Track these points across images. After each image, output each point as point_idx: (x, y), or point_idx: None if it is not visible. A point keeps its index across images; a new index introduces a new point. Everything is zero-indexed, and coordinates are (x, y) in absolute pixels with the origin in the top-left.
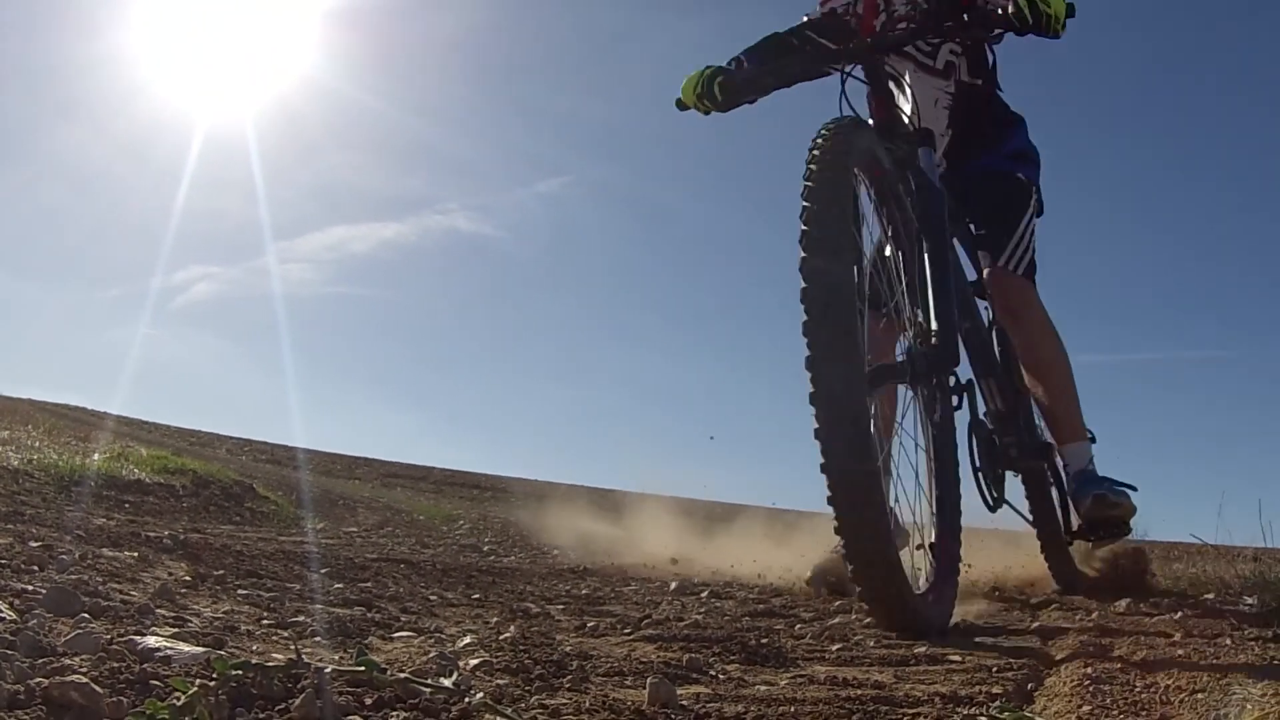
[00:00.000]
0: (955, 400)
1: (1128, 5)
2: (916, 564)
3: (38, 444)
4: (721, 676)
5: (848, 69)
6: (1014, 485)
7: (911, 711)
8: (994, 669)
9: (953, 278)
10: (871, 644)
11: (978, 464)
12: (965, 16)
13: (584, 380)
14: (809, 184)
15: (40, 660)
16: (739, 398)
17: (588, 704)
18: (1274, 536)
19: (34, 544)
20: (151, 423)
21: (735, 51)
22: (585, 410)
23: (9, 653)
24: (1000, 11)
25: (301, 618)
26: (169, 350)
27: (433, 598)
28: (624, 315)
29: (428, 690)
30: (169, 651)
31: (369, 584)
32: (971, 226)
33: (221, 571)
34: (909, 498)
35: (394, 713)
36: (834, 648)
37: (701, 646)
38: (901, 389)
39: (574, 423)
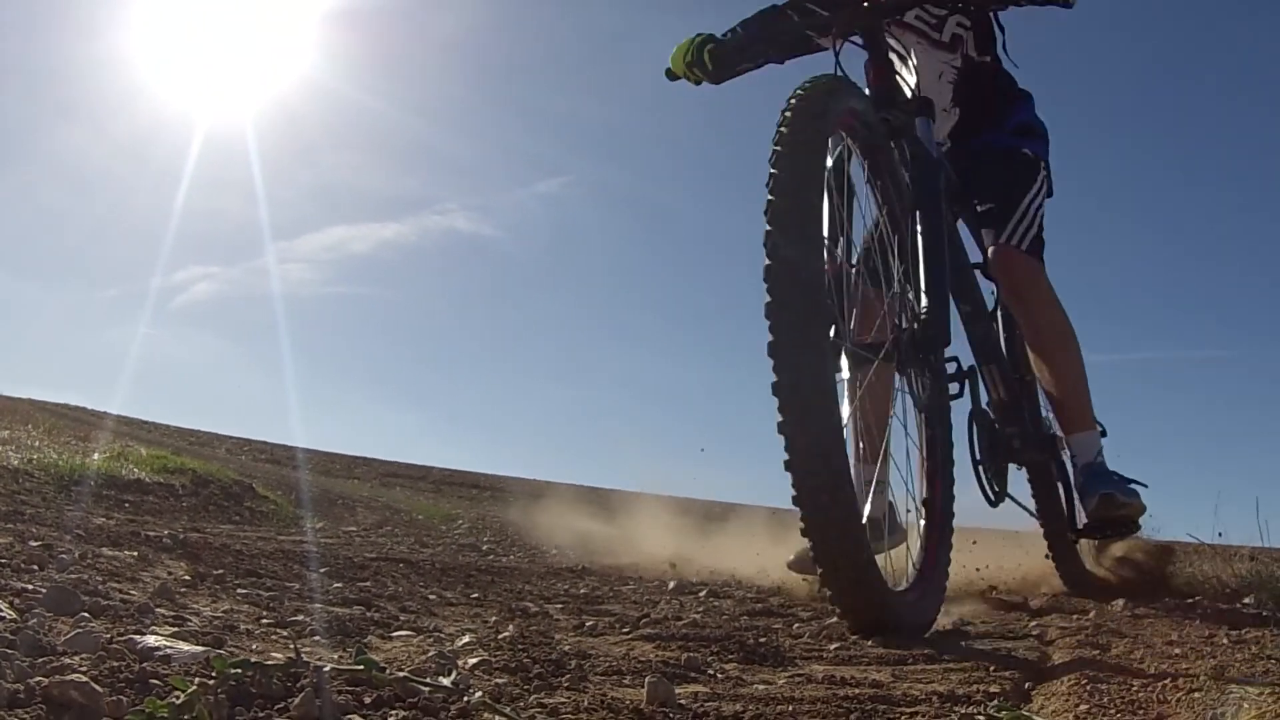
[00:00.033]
0: (956, 388)
1: (1127, 5)
2: (898, 560)
3: (38, 443)
4: (719, 675)
5: (845, 34)
6: (1018, 480)
7: (909, 710)
8: (991, 668)
9: (947, 252)
10: (869, 643)
11: (978, 456)
12: None
13: (582, 380)
14: (777, 148)
15: (40, 659)
16: (738, 397)
17: (586, 703)
18: (1271, 536)
19: (34, 543)
20: (151, 422)
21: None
22: (583, 410)
23: (9, 652)
24: None
25: (300, 617)
26: (168, 350)
27: (431, 597)
28: (622, 315)
29: (426, 689)
30: (168, 650)
31: (368, 583)
32: (976, 206)
33: (221, 571)
34: (907, 489)
35: (393, 711)
36: (832, 647)
37: (700, 645)
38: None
39: (572, 422)
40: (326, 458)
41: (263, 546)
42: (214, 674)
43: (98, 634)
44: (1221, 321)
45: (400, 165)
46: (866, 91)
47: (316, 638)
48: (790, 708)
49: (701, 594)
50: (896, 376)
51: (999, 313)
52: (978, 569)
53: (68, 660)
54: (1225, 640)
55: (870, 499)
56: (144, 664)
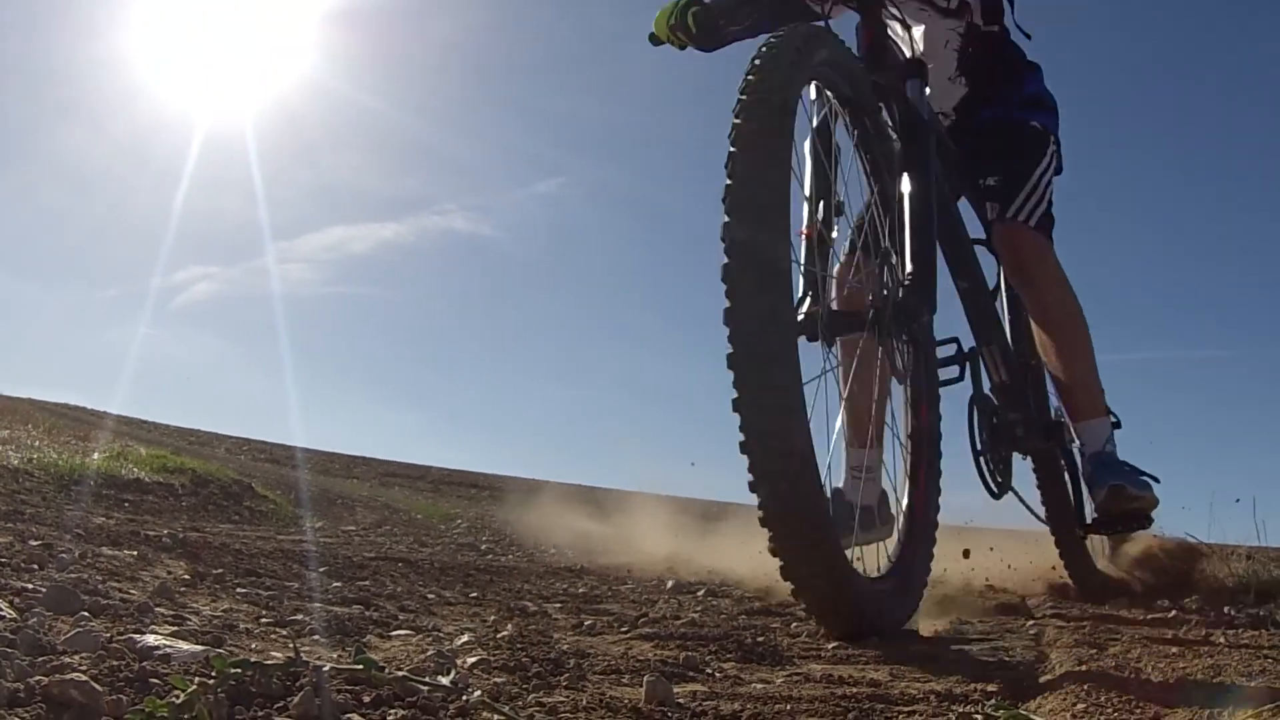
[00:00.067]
0: (956, 372)
1: (1127, 4)
2: (873, 550)
3: (38, 443)
4: (718, 674)
5: None
6: (1023, 472)
7: (907, 709)
8: (989, 667)
9: (935, 216)
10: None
11: (978, 445)
12: None
13: (581, 379)
14: (743, 97)
15: (40, 658)
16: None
17: (585, 702)
18: (1268, 535)
19: (34, 542)
20: (151, 422)
21: (731, 53)
22: (582, 409)
23: (9, 651)
24: None
25: (300, 616)
26: (168, 350)
27: (430, 596)
28: (620, 315)
29: (425, 688)
30: (168, 650)
31: (367, 582)
32: (981, 182)
33: (220, 570)
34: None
35: (392, 710)
36: (830, 645)
37: (698, 645)
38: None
39: (571, 422)
40: (326, 457)
41: (262, 546)
42: (213, 673)
43: (97, 633)
44: (1221, 321)
45: (399, 165)
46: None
47: (316, 637)
48: (788, 706)
49: (699, 593)
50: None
51: (1004, 294)
52: (973, 567)
53: (68, 659)
54: (1222, 639)
55: (861, 486)
56: (144, 663)
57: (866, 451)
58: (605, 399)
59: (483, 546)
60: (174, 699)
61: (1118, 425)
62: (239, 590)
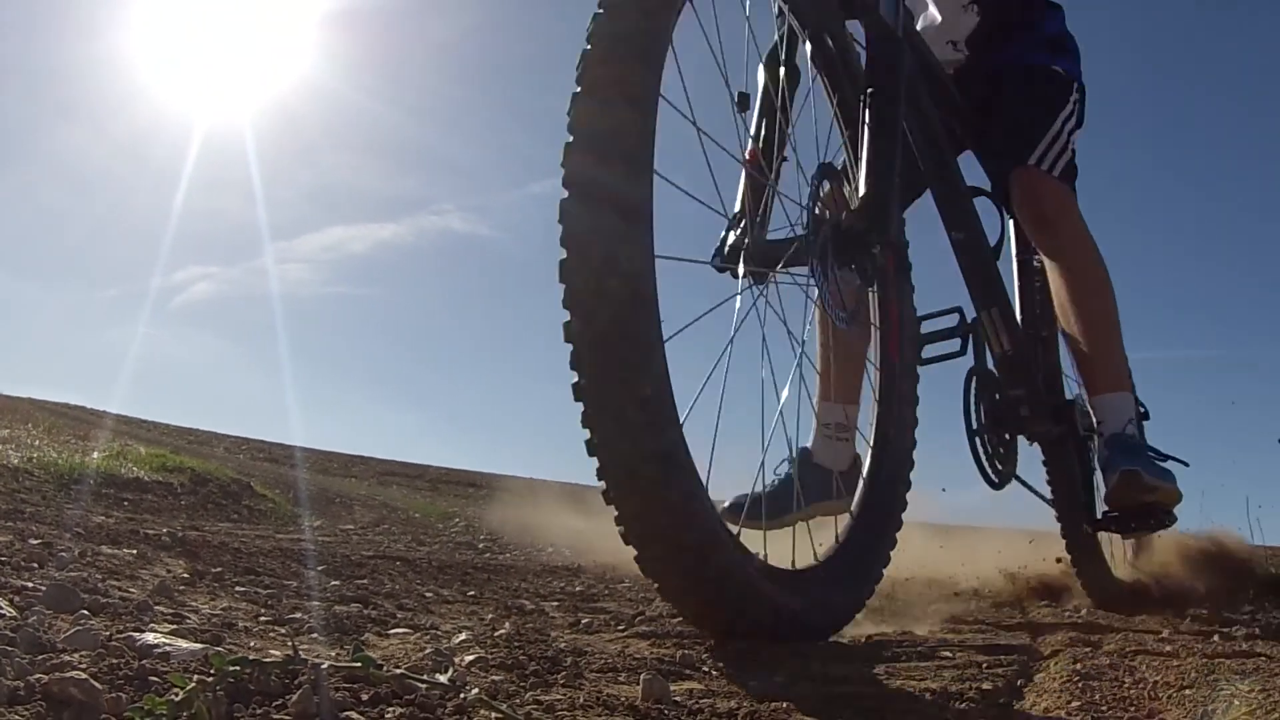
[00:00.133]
0: (959, 345)
1: (1127, 4)
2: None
3: (37, 442)
4: (715, 673)
5: None
6: (1029, 463)
7: (903, 707)
8: (984, 665)
9: (901, 141)
10: (864, 640)
11: (974, 424)
12: None
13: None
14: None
15: (40, 656)
16: (733, 394)
17: (582, 700)
18: (1263, 534)
19: (34, 541)
20: (150, 421)
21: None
22: (579, 408)
23: (9, 649)
24: None
25: (298, 614)
26: (168, 350)
27: (428, 595)
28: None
29: (423, 686)
30: (167, 648)
31: (365, 581)
32: (992, 130)
33: (219, 569)
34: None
35: (390, 708)
36: (827, 643)
37: (695, 643)
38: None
39: (568, 421)
40: (324, 456)
41: (261, 544)
42: (212, 671)
43: (97, 631)
44: (1220, 321)
45: (398, 166)
46: None
47: (314, 635)
48: (785, 705)
49: None
50: (873, 299)
51: (1014, 258)
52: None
53: (67, 657)
54: (1216, 637)
55: (828, 446)
56: (143, 661)
57: (843, 408)
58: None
59: (480, 545)
60: (173, 697)
61: (1146, 416)
62: (238, 589)
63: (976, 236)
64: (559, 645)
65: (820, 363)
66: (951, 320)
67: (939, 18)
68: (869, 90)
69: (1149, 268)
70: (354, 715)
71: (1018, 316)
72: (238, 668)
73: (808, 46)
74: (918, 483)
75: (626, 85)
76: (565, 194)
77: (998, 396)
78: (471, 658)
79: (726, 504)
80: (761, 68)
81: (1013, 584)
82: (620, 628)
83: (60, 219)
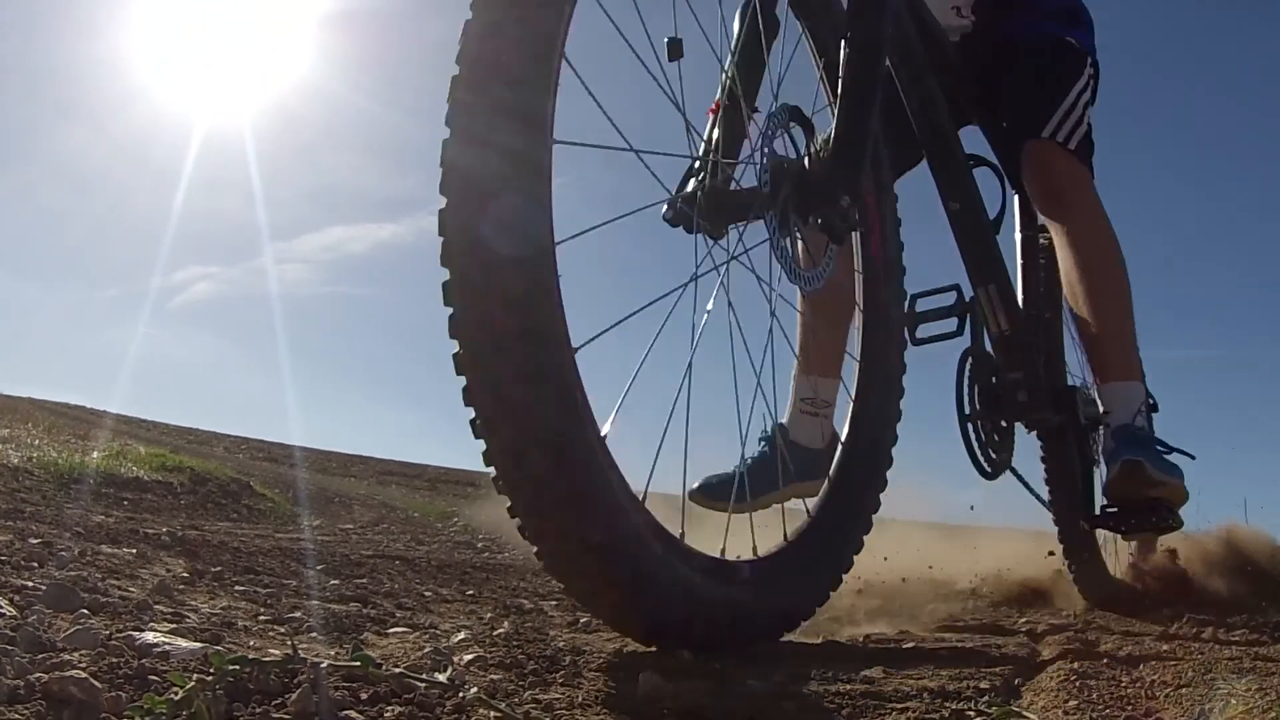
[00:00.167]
0: (955, 325)
1: (1125, 4)
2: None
3: (37, 442)
4: (713, 671)
5: None
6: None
7: (900, 706)
8: (982, 664)
9: (885, 91)
10: (862, 639)
11: (968, 410)
12: None
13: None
14: None
15: (40, 655)
16: (730, 391)
17: (580, 699)
18: None
19: (34, 541)
20: (150, 421)
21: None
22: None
23: (9, 648)
24: None
25: (298, 614)
26: (167, 349)
27: (427, 594)
28: (617, 314)
29: (422, 685)
30: (167, 647)
31: (364, 580)
32: (1000, 103)
33: (219, 568)
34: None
35: (389, 707)
36: (824, 642)
37: None
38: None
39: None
40: (323, 456)
41: (260, 544)
42: (212, 670)
43: (97, 630)
44: (1220, 321)
45: (397, 166)
46: None
47: (313, 634)
48: (782, 703)
49: None
50: (858, 262)
51: (1018, 234)
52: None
53: (67, 656)
54: (1214, 637)
55: (805, 422)
56: (143, 660)
57: (823, 381)
58: (603, 398)
59: (479, 544)
60: (172, 695)
61: (1155, 408)
62: (237, 588)
63: (975, 208)
64: (558, 644)
65: (800, 331)
66: (949, 298)
67: None
68: (848, 33)
69: (1149, 268)
70: (353, 714)
71: (1018, 295)
72: (237, 667)
73: None
74: (920, 482)
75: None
76: (446, 133)
77: (994, 380)
78: (470, 657)
79: (696, 485)
80: (736, 15)
81: (1000, 585)
82: None
83: (60, 219)
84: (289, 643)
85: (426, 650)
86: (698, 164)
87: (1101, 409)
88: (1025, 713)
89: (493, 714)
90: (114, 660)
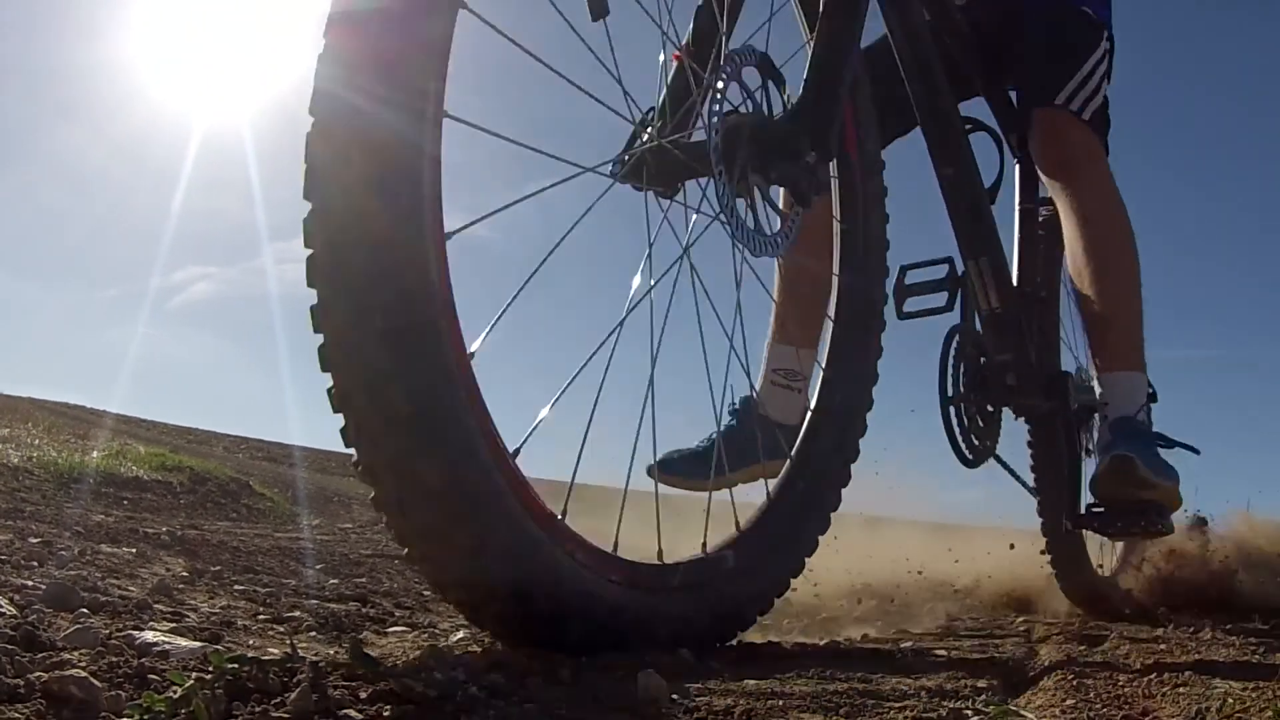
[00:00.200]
0: (945, 299)
1: (1125, 4)
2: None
3: (37, 441)
4: (712, 670)
5: None
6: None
7: (897, 705)
8: (979, 663)
9: (858, 33)
10: (859, 639)
11: (950, 392)
12: None
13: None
14: None
15: (40, 655)
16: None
17: (580, 698)
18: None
19: (34, 540)
20: (149, 421)
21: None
22: (577, 407)
23: (9, 647)
24: None
25: (297, 613)
26: (167, 349)
27: (426, 593)
28: (616, 314)
29: (421, 685)
30: (167, 646)
31: (363, 579)
32: (1009, 74)
33: (218, 567)
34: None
35: (388, 706)
36: (822, 642)
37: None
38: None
39: (568, 421)
40: (323, 455)
41: (260, 543)
42: (211, 669)
43: (96, 630)
44: (1221, 321)
45: None
46: None
47: (313, 633)
48: (780, 702)
49: None
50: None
51: (1016, 207)
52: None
53: (67, 655)
54: (1211, 637)
55: (778, 395)
56: (142, 659)
57: (796, 351)
58: (602, 397)
59: None
60: (172, 694)
61: (1154, 398)
62: (237, 587)
63: (970, 175)
64: None
65: (777, 295)
66: (940, 271)
67: None
68: None
69: (1148, 268)
70: (352, 713)
71: (1013, 272)
72: (236, 666)
73: None
74: (918, 486)
75: None
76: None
77: (981, 361)
78: (470, 656)
79: (657, 460)
80: None
81: (980, 589)
82: None
83: (60, 219)
84: (288, 642)
85: (426, 649)
86: (652, 114)
87: (1099, 399)
88: (1023, 712)
89: (491, 713)
90: (113, 659)
